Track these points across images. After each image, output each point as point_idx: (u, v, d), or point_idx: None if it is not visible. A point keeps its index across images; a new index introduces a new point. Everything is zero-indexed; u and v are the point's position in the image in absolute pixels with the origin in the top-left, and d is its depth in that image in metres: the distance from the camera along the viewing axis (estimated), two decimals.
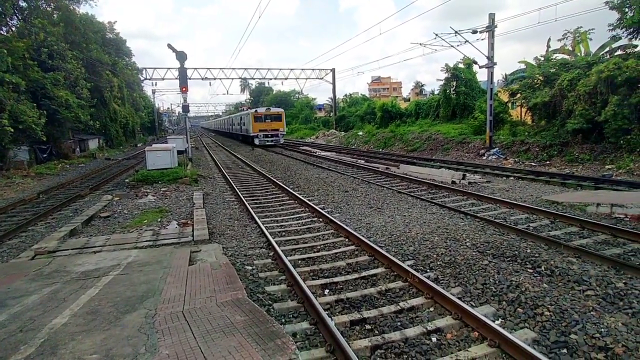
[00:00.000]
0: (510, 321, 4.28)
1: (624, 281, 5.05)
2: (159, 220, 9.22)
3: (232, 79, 44.50)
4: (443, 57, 53.56)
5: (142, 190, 13.22)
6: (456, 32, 19.52)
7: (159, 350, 3.44)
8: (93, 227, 8.98)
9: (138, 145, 43.63)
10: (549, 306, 4.43)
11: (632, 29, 15.80)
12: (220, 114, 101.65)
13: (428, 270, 5.71)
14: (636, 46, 17.11)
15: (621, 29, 16.09)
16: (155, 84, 44.80)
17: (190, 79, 36.42)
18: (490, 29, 18.78)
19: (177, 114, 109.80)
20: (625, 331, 3.91)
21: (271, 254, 6.67)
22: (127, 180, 15.69)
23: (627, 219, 7.86)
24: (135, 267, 5.83)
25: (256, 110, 34.59)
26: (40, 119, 20.23)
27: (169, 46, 18.43)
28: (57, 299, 4.70)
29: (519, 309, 4.48)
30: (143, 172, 15.49)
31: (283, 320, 4.49)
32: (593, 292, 4.81)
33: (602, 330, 3.93)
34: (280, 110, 36.02)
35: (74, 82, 26.31)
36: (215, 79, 42.86)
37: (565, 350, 3.73)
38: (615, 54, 17.85)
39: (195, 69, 41.13)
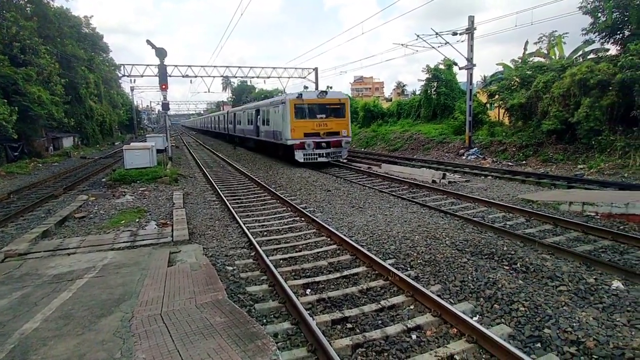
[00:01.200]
0: (487, 317, 4.39)
1: (594, 277, 5.25)
2: (137, 220, 8.99)
3: (214, 77, 43.27)
4: (424, 58, 54.62)
5: (119, 190, 12.86)
6: (437, 33, 19.85)
7: (135, 355, 3.36)
8: (67, 228, 8.68)
9: (116, 143, 42.45)
10: (524, 302, 4.55)
11: (604, 33, 16.43)
12: (202, 112, 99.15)
13: (409, 269, 5.78)
14: (608, 50, 17.82)
15: (594, 33, 16.72)
16: (134, 81, 43.51)
17: (170, 76, 35.18)
18: (470, 31, 19.16)
19: (156, 112, 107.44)
20: (596, 325, 4.06)
21: (252, 254, 6.61)
22: (103, 180, 15.27)
23: (598, 217, 8.17)
24: (112, 269, 5.67)
25: (300, 96, 17.90)
26: (11, 115, 19.48)
27: (148, 42, 17.94)
28: (28, 303, 4.53)
29: (495, 305, 4.59)
30: (121, 171, 15.08)
31: (264, 320, 4.46)
32: (565, 288, 4.98)
33: (574, 324, 4.07)
34: (344, 96, 20.00)
35: (47, 77, 25.37)
36: (196, 76, 41.71)
37: (539, 345, 3.85)
38: (588, 57, 18.50)
39: (176, 66, 39.94)
